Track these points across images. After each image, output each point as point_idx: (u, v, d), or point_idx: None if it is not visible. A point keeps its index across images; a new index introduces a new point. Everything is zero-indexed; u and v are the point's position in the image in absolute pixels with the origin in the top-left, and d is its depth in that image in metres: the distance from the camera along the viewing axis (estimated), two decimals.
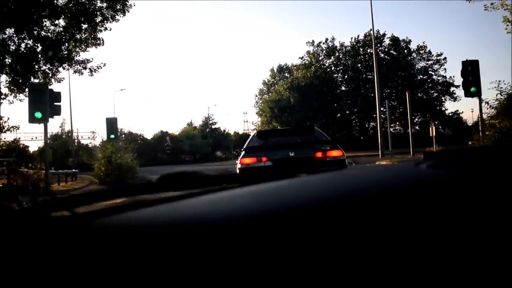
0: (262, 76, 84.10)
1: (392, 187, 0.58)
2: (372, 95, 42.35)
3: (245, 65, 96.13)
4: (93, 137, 53.35)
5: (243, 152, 5.91)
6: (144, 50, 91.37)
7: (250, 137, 7.00)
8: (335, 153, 5.63)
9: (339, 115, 44.91)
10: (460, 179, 0.57)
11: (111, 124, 18.52)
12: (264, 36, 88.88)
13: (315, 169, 5.27)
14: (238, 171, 5.69)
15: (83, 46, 15.77)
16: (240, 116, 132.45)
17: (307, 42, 45.33)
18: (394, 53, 42.90)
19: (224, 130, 66.19)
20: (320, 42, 44.83)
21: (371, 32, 24.59)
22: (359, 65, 43.07)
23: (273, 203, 0.55)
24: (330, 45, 44.58)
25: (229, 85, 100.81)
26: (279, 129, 9.73)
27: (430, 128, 23.14)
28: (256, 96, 54.42)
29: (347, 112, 44.43)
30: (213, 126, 64.71)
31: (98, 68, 16.33)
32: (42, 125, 12.09)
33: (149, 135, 56.97)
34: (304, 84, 41.97)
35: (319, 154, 5.59)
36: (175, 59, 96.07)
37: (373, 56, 21.76)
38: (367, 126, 44.66)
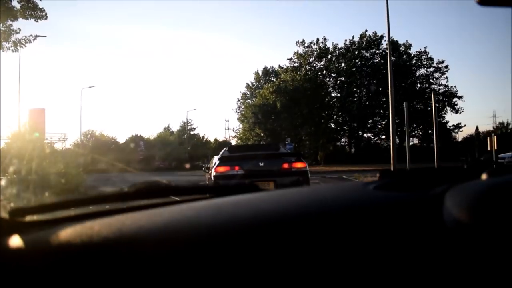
0: (246, 79, 79.73)
1: (331, 206, 0.60)
2: (367, 103, 38.25)
3: (227, 68, 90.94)
4: (63, 138, 48.81)
5: (217, 162, 6.38)
6: (118, 44, 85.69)
7: (222, 150, 7.46)
8: (299, 164, 6.30)
9: (330, 123, 40.62)
10: (400, 202, 0.57)
11: (35, 118, 13.71)
12: (248, 37, 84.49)
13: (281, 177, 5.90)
14: (213, 178, 6.18)
15: (16, 15, 11.21)
16: (221, 122, 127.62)
17: (296, 42, 40.97)
18: (392, 58, 38.97)
19: (203, 137, 61.90)
20: (311, 43, 40.61)
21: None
22: (354, 69, 38.85)
23: (233, 213, 0.59)
24: (321, 46, 40.34)
25: (210, 88, 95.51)
26: (249, 145, 10.40)
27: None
28: (239, 100, 49.85)
29: (340, 120, 40.06)
30: (191, 132, 60.39)
31: (26, 42, 11.81)
32: None
33: (122, 139, 52.62)
34: (292, 87, 37.52)
35: (285, 165, 6.25)
36: (152, 56, 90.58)
37: (388, 56, 17.75)
38: (360, 136, 40.42)
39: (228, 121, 70.49)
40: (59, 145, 47.66)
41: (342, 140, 41.57)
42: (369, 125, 39.35)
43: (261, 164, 6.21)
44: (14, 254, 0.57)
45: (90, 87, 45.60)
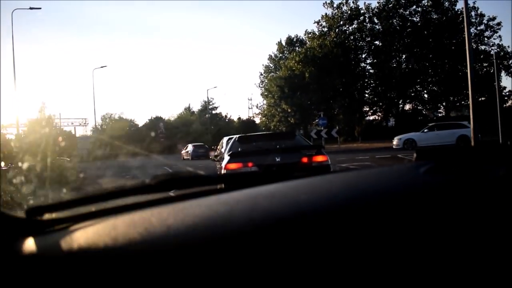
0: (269, 51, 74.60)
1: (389, 195, 0.57)
2: (410, 67, 33.35)
3: (247, 40, 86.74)
4: (84, 123, 46.96)
5: (228, 158, 5.61)
6: (134, 23, 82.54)
7: (231, 142, 6.70)
8: (320, 158, 5.55)
9: (366, 94, 36.07)
10: (459, 187, 0.55)
11: None
12: (269, 4, 79.42)
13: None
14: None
15: None
16: (243, 99, 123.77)
17: (324, 3, 36.15)
18: (435, 16, 33.91)
19: (226, 116, 58.72)
20: (340, 4, 35.84)
21: None
22: (391, 30, 33.86)
23: (269, 208, 0.56)
24: (353, 7, 35.48)
25: (230, 64, 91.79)
26: (261, 134, 7.89)
27: None
28: (261, 74, 45.72)
29: (377, 90, 35.37)
30: (213, 111, 57.30)
31: None
32: None
33: (141, 121, 50.38)
34: (321, 55, 33.23)
35: (305, 160, 5.50)
36: (169, 34, 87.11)
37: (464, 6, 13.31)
38: (401, 107, 35.62)
39: (251, 99, 67.11)
40: (81, 130, 46.08)
41: (378, 113, 37.00)
42: (412, 94, 34.30)
43: (277, 159, 5.51)
44: (33, 257, 0.55)
45: (102, 67, 42.63)
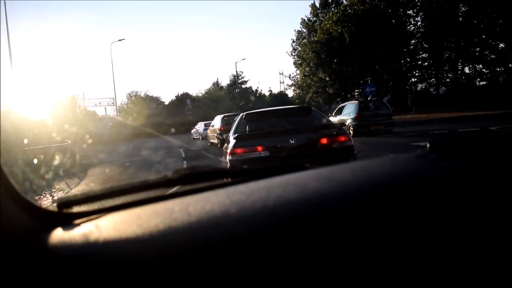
0: (301, 14, 68.74)
1: (391, 184, 0.59)
2: (472, 21, 27.83)
3: (279, 4, 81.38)
4: (112, 103, 45.27)
5: (233, 141, 4.72)
6: None
7: (237, 120, 5.74)
8: (342, 138, 4.72)
9: (418, 56, 30.77)
10: (466, 173, 0.56)
11: None
12: None
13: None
14: (229, 163, 4.64)
15: None
16: (275, 72, 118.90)
17: None
18: None
19: (256, 90, 55.10)
20: None
21: None
22: None
23: (282, 194, 0.60)
24: None
25: (259, 32, 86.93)
26: (271, 110, 6.18)
27: None
28: (294, 42, 41.05)
29: (431, 50, 29.90)
30: (243, 86, 53.87)
31: None
32: None
33: (168, 99, 47.90)
34: (362, 12, 28.49)
35: (323, 141, 4.67)
36: (193, 5, 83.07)
37: None
38: (460, 72, 30.17)
39: (282, 73, 62.96)
40: (110, 110, 44.40)
41: (428, 79, 31.72)
42: (477, 54, 28.29)
43: (291, 141, 4.60)
44: (65, 247, 0.57)
45: (120, 40, 39.67)
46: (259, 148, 4.64)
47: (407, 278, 0.43)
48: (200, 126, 22.99)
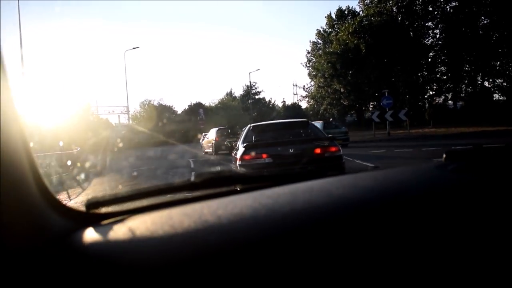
0: (317, 25, 68.63)
1: (409, 192, 0.61)
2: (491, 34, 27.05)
3: (293, 15, 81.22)
4: (126, 111, 45.43)
5: (242, 149, 5.58)
6: (168, 5, 79.55)
7: (245, 131, 6.62)
8: (333, 149, 5.57)
9: (437, 69, 29.98)
10: (482, 185, 0.58)
11: None
12: None
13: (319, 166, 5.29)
14: (238, 168, 5.46)
15: None
16: (288, 84, 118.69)
17: None
18: None
19: (270, 101, 54.84)
20: None
21: None
22: None
23: (309, 199, 0.62)
24: None
25: (274, 43, 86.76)
26: (274, 123, 7.54)
27: None
28: (309, 53, 40.70)
29: (446, 68, 29.10)
30: (256, 96, 53.65)
31: None
32: None
33: (181, 108, 47.91)
34: (379, 23, 28.00)
35: (317, 151, 5.52)
36: (207, 14, 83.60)
37: None
38: (479, 85, 29.12)
39: (296, 85, 62.59)
40: (124, 118, 44.59)
41: (445, 93, 30.77)
42: (497, 67, 27.55)
43: (291, 151, 5.46)
44: (93, 247, 0.58)
45: (134, 48, 39.75)
46: (264, 156, 5.39)
47: (426, 282, 0.44)
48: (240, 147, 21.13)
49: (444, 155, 0.74)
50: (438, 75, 29.80)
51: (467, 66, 28.34)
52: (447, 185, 0.61)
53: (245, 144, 5.61)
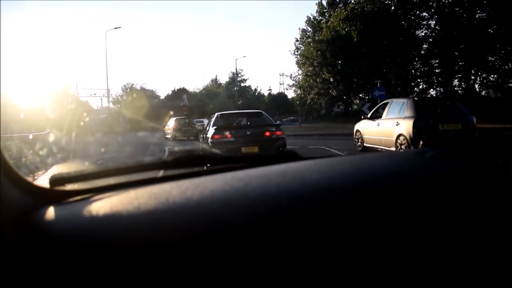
0: (306, 13, 66.77)
1: (386, 178, 0.61)
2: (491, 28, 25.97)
3: (284, 4, 79.59)
4: (108, 94, 43.55)
5: (213, 131, 7.45)
6: None
7: (214, 117, 8.45)
8: (278, 133, 7.61)
9: (431, 61, 28.81)
10: (460, 172, 0.58)
11: None
12: None
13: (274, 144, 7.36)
14: (210, 144, 7.33)
15: None
16: (275, 73, 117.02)
17: None
18: None
19: (255, 89, 53.51)
20: None
21: None
22: None
23: (282, 183, 0.60)
24: None
25: (262, 29, 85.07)
26: (235, 112, 11.21)
27: None
28: (297, 40, 39.15)
29: (439, 61, 27.93)
30: (242, 84, 52.19)
31: None
32: None
33: (164, 93, 46.16)
34: (372, 10, 26.75)
35: (267, 133, 7.55)
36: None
37: None
38: (474, 81, 28.05)
39: (282, 74, 61.39)
40: (105, 101, 42.77)
41: (437, 87, 29.77)
42: (496, 62, 26.13)
43: (248, 132, 7.52)
44: (56, 224, 0.56)
45: (116, 28, 37.76)
46: (229, 136, 7.31)
47: (405, 271, 0.43)
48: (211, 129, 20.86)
49: (421, 141, 0.63)
50: (430, 68, 28.74)
51: (460, 60, 27.30)
52: (425, 171, 0.60)
53: (215, 127, 7.61)
